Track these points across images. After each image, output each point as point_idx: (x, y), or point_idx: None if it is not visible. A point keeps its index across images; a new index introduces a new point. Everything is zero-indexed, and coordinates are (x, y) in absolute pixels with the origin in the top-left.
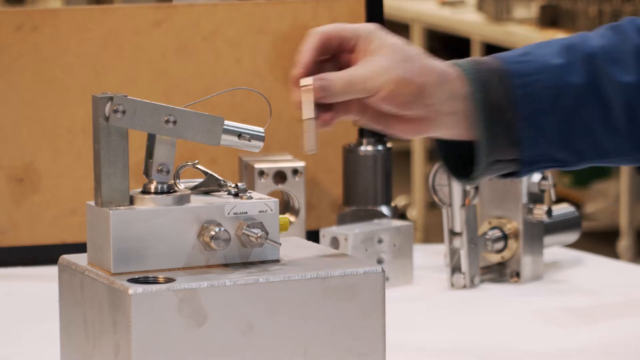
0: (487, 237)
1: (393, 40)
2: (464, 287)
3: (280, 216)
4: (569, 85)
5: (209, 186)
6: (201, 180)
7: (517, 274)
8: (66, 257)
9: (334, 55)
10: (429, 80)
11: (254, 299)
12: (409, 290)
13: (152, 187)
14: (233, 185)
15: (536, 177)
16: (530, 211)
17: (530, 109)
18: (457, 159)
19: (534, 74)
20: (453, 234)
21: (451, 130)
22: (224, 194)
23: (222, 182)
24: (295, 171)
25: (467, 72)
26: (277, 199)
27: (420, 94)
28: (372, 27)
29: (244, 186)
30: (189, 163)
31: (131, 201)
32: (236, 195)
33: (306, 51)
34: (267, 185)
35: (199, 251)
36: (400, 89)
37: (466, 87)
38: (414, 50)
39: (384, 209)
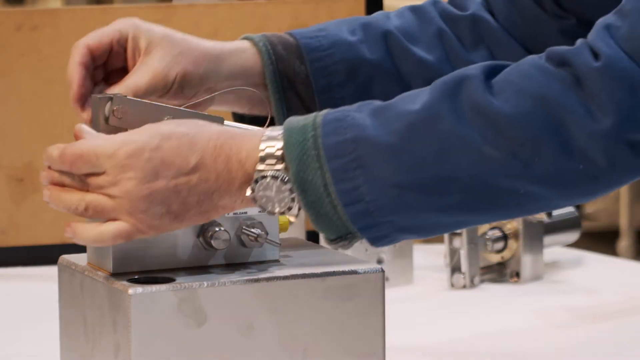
0: (487, 237)
1: (159, 31)
2: (464, 287)
3: (280, 216)
4: (364, 60)
5: None
6: None
7: (517, 274)
8: (66, 257)
9: (107, 62)
10: (210, 65)
11: (254, 299)
12: (409, 290)
13: None
14: None
15: None
16: None
17: (325, 82)
18: None
19: (329, 49)
20: (453, 234)
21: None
22: None
23: None
24: None
25: (258, 44)
26: None
27: (204, 81)
28: (129, 23)
29: None
30: None
31: None
32: None
33: (73, 68)
34: None
35: (199, 251)
36: (186, 82)
37: (259, 59)
38: (185, 36)
39: None
